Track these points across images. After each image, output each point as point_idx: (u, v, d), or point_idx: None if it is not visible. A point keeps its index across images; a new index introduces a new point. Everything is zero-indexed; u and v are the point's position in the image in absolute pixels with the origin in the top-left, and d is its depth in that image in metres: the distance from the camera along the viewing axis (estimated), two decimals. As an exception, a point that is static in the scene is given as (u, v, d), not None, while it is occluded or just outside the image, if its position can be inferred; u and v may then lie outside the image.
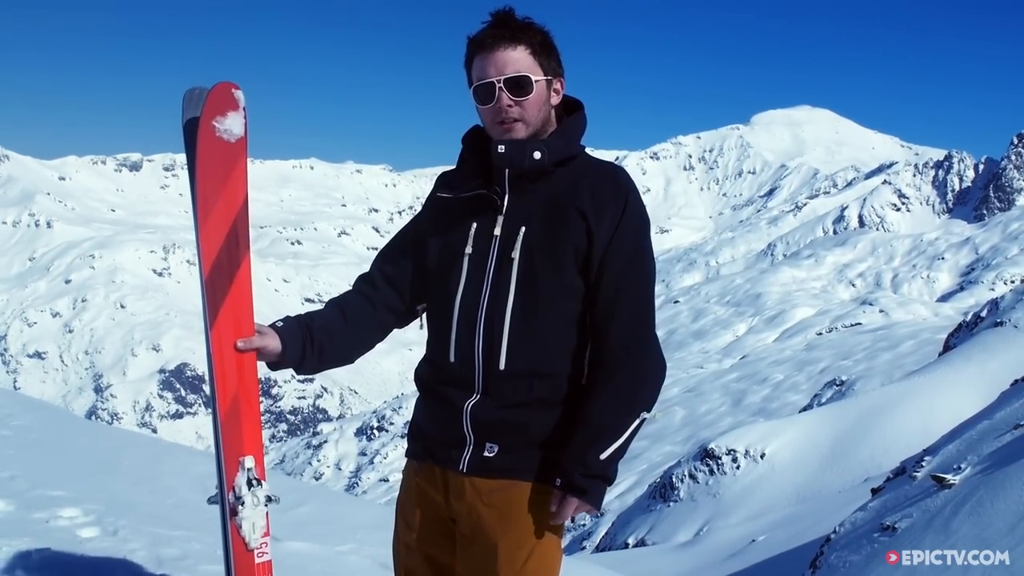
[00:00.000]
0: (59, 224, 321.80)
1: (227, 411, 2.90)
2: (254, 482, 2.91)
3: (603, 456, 2.88)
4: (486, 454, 2.93)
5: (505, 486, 2.94)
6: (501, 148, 2.88)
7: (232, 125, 2.93)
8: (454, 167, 3.15)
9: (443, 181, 3.15)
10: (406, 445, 3.24)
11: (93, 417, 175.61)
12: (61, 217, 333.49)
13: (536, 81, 2.92)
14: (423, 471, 3.10)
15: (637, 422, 2.94)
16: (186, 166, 3.02)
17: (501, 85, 2.89)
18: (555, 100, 3.03)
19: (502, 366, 2.89)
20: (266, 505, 2.94)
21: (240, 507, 2.89)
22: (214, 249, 2.90)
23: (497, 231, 2.95)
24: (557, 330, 2.93)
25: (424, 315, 3.21)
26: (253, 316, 2.97)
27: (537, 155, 2.90)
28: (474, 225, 2.98)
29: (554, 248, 2.89)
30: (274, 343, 2.97)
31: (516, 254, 2.90)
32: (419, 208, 3.24)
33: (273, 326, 3.01)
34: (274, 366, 3.06)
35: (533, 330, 2.90)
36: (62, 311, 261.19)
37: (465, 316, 2.95)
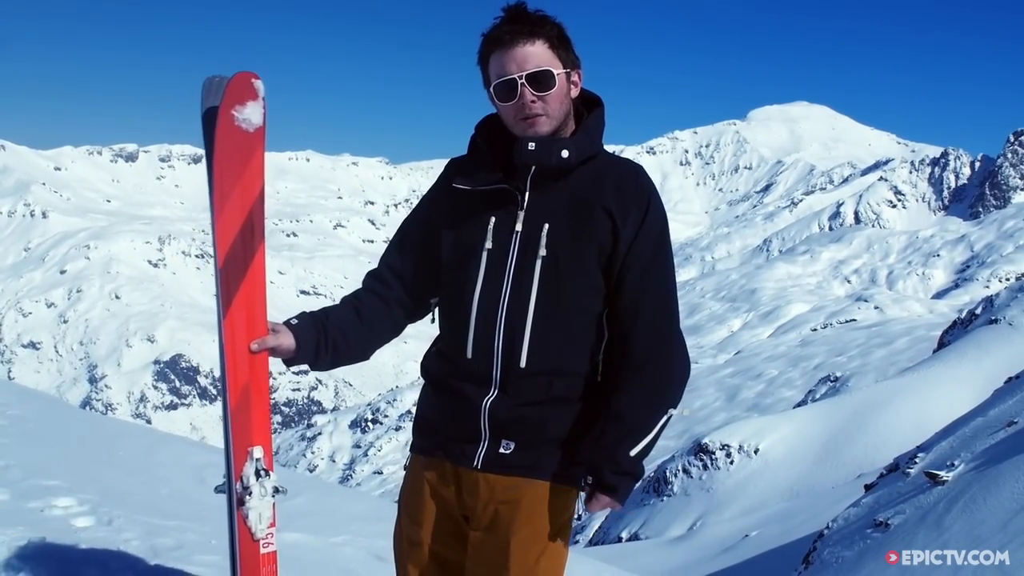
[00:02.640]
0: (54, 214, 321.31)
1: (238, 401, 2.89)
2: (262, 472, 2.91)
3: (633, 453, 2.89)
4: (502, 451, 2.91)
5: (520, 483, 2.92)
6: (531, 145, 2.84)
7: (251, 115, 2.92)
8: (464, 155, 3.09)
9: (457, 170, 3.06)
10: (412, 439, 3.19)
11: (87, 408, 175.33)
12: (56, 207, 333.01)
13: (557, 75, 2.87)
14: (432, 466, 3.05)
15: (664, 419, 2.96)
16: (204, 156, 2.99)
17: (523, 81, 2.83)
18: (574, 92, 2.98)
19: (523, 364, 2.87)
20: (273, 496, 2.93)
21: (247, 497, 2.88)
22: (229, 238, 2.88)
23: (519, 227, 2.90)
24: (577, 329, 2.91)
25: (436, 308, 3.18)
26: (266, 306, 2.96)
27: (565, 154, 2.86)
28: (493, 219, 2.93)
29: (579, 246, 2.87)
30: (288, 341, 2.94)
31: (541, 251, 2.86)
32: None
33: (288, 323, 2.98)
34: (289, 363, 3.04)
35: (555, 328, 2.88)
36: (57, 301, 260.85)
37: (484, 312, 2.90)
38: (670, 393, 2.97)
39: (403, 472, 3.28)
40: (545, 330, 2.87)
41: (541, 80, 2.84)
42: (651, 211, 2.92)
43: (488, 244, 2.91)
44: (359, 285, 3.16)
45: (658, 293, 2.93)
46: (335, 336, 3.01)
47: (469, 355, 2.92)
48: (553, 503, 2.94)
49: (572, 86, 2.96)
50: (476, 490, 2.95)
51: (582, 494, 3.03)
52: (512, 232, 2.90)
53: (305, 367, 3.14)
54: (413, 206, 3.21)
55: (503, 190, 2.93)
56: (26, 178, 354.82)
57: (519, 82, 2.84)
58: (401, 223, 3.22)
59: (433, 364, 3.07)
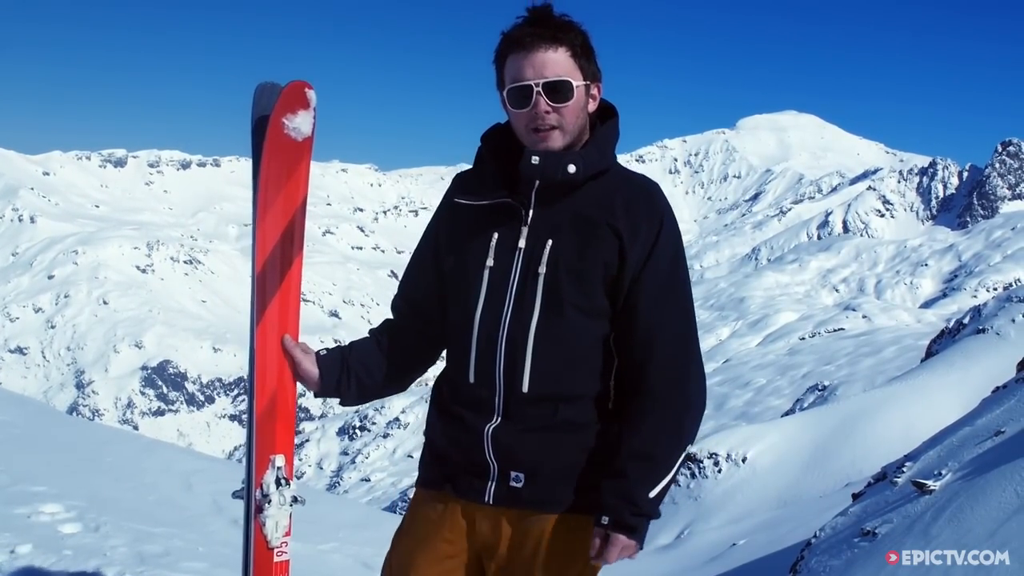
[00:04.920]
0: (43, 219, 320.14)
1: (264, 408, 2.87)
2: (282, 481, 2.89)
3: (652, 495, 2.73)
4: (513, 484, 2.76)
5: (539, 519, 2.78)
6: (535, 159, 2.68)
7: (301, 124, 2.92)
8: (470, 168, 2.94)
9: (460, 184, 2.91)
10: (417, 473, 3.04)
11: (74, 414, 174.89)
12: (45, 212, 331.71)
13: (576, 86, 2.71)
14: (438, 501, 2.89)
15: (683, 457, 2.80)
16: (252, 162, 2.98)
17: (539, 89, 2.67)
18: (592, 107, 2.82)
19: (525, 388, 2.72)
20: (291, 505, 2.91)
21: (266, 505, 2.86)
22: (269, 245, 2.87)
23: (521, 243, 2.75)
24: (583, 351, 2.75)
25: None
26: (299, 316, 2.95)
27: (572, 168, 2.70)
28: (495, 236, 2.78)
29: (583, 265, 2.71)
30: (311, 367, 2.87)
31: (543, 269, 2.71)
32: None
33: (317, 353, 2.91)
34: (317, 395, 2.96)
35: (558, 350, 2.72)
36: (44, 307, 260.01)
37: (485, 334, 2.76)
38: (689, 430, 2.79)
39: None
40: (548, 352, 2.72)
41: (558, 90, 2.69)
42: (664, 232, 2.77)
43: (490, 262, 2.77)
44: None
45: (674, 321, 2.77)
46: (357, 371, 2.92)
47: (472, 379, 2.79)
48: (576, 536, 2.78)
49: (590, 99, 2.81)
50: (491, 527, 2.82)
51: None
52: (515, 249, 2.76)
53: (346, 405, 3.08)
54: (426, 210, 3.12)
55: (506, 205, 2.78)
56: (14, 183, 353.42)
57: (535, 90, 2.68)
58: (416, 246, 3.07)
59: (439, 389, 2.95)
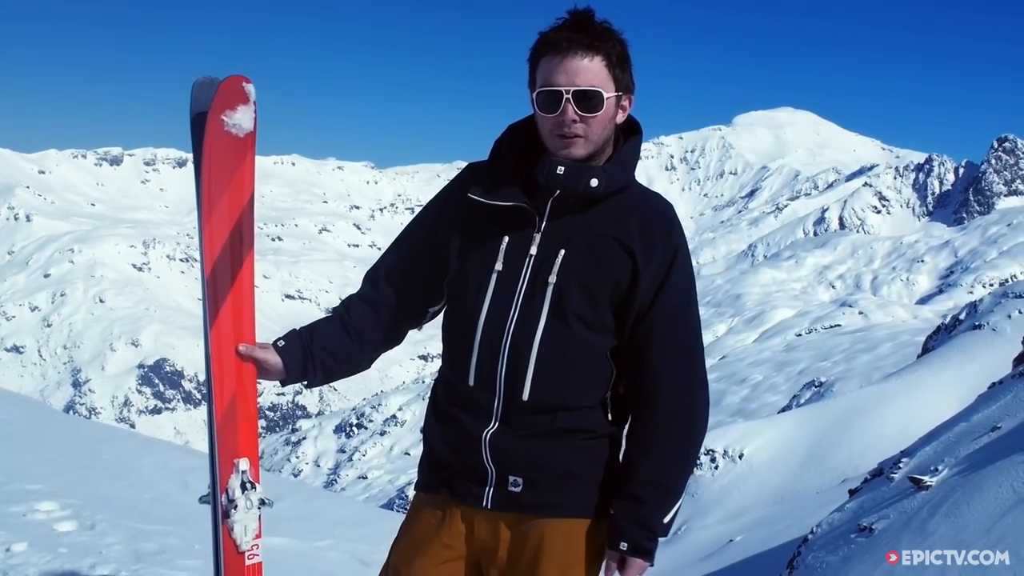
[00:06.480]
0: (38, 218, 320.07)
1: (224, 412, 2.83)
2: (248, 485, 2.85)
3: (666, 520, 2.77)
4: (511, 489, 2.75)
5: (539, 523, 2.78)
6: (560, 169, 2.65)
7: (242, 120, 2.85)
8: (485, 161, 2.89)
9: (474, 178, 2.84)
10: (417, 477, 3.00)
11: (71, 412, 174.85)
12: (41, 211, 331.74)
13: (607, 97, 2.66)
14: (437, 505, 2.88)
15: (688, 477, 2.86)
16: (192, 161, 2.90)
17: (569, 97, 2.62)
18: (620, 118, 2.78)
19: (525, 397, 2.71)
20: (259, 508, 2.87)
21: (233, 510, 2.82)
22: (217, 246, 2.81)
23: (533, 250, 2.72)
24: (584, 363, 2.74)
25: (430, 323, 3.04)
26: (254, 315, 2.90)
27: (594, 183, 2.67)
28: (506, 239, 2.75)
29: (595, 278, 2.70)
30: (274, 359, 2.84)
31: (553, 278, 2.69)
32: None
33: (275, 344, 2.87)
34: (283, 383, 2.95)
35: (561, 361, 2.71)
36: (41, 305, 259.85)
37: (488, 338, 2.73)
38: (696, 455, 2.86)
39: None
40: (550, 363, 2.70)
41: (589, 100, 2.64)
42: (678, 258, 2.77)
43: (499, 266, 2.74)
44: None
45: (686, 349, 2.79)
46: (322, 356, 2.90)
47: (471, 382, 2.76)
48: (576, 539, 2.80)
49: (620, 111, 2.77)
50: (489, 531, 2.82)
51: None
52: (526, 256, 2.74)
53: (312, 387, 3.04)
54: (423, 205, 3.04)
55: (521, 209, 2.74)
56: (10, 181, 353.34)
57: (565, 96, 2.63)
58: (408, 223, 3.03)
59: (438, 389, 2.93)
